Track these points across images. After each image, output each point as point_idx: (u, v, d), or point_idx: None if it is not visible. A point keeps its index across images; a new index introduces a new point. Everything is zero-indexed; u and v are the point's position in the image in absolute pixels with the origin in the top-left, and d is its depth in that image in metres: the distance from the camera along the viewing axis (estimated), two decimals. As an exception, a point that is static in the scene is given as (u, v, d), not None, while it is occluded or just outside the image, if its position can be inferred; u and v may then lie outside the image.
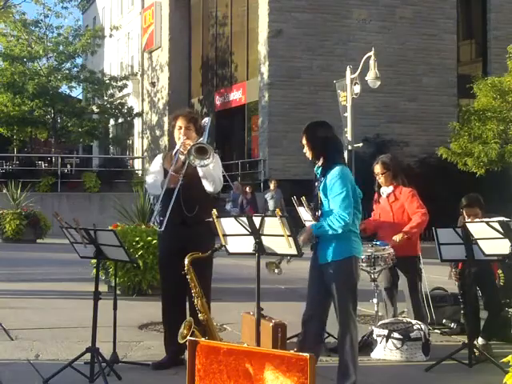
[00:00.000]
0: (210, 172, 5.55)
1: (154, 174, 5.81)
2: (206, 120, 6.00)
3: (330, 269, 4.72)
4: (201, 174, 5.55)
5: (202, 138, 5.69)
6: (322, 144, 4.89)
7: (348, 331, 4.74)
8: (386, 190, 6.81)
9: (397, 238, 6.49)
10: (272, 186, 19.53)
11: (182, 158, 5.65)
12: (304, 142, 4.95)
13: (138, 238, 8.91)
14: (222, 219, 4.60)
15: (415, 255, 6.75)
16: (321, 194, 4.81)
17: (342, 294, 4.73)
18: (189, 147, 5.43)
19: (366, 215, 8.69)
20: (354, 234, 4.81)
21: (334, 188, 4.71)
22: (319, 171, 4.89)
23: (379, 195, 6.91)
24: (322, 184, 4.80)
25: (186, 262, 5.01)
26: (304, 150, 4.99)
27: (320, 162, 4.89)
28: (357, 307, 4.87)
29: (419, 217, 6.60)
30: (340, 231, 4.66)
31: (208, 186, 5.57)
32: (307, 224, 6.86)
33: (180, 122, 5.72)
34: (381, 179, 6.78)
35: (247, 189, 20.03)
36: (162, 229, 5.48)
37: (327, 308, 4.88)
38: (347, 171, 4.85)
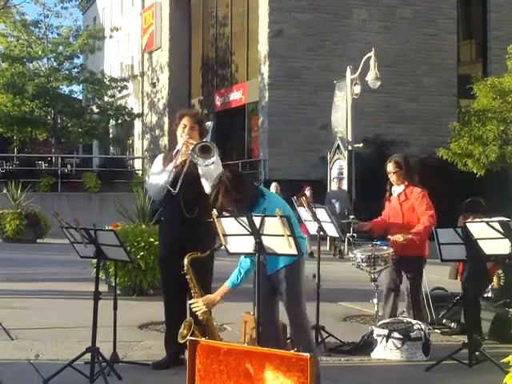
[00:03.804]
0: (210, 172, 5.52)
1: (155, 175, 5.80)
2: (209, 124, 5.98)
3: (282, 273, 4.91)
4: (201, 173, 5.54)
5: (204, 140, 5.67)
6: None
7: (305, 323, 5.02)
8: (397, 189, 6.77)
9: (399, 237, 6.48)
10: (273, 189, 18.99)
11: (183, 158, 5.64)
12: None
13: (139, 239, 8.93)
14: (222, 219, 4.59)
15: (420, 256, 6.67)
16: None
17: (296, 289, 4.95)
18: (192, 146, 5.42)
19: (368, 216, 8.66)
20: None
21: None
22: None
23: (390, 194, 6.89)
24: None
25: (186, 262, 5.01)
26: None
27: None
28: None
29: (427, 219, 6.53)
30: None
31: (207, 186, 5.56)
32: (307, 224, 6.87)
33: (185, 121, 5.69)
34: (393, 177, 6.73)
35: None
36: (177, 191, 5.48)
37: None
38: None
